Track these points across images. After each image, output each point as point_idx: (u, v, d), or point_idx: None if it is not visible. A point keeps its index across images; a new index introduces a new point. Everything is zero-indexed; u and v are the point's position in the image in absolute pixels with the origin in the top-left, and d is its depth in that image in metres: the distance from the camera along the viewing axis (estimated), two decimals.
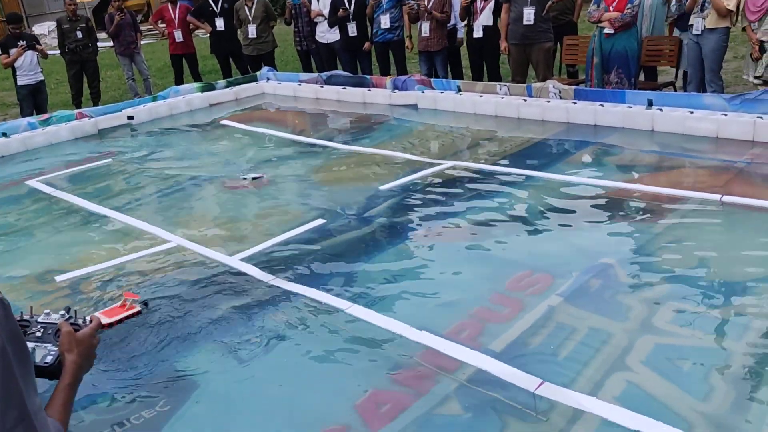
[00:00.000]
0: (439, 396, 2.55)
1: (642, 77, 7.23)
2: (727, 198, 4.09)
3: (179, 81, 10.25)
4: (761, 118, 5.08)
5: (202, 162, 6.24)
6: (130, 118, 8.15)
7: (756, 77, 6.15)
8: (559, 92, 6.33)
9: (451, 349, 2.81)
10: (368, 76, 8.38)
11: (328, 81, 8.57)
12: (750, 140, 5.09)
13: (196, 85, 9.17)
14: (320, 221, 4.40)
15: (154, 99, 8.64)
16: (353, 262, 3.80)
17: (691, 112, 5.44)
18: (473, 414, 2.45)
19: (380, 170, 5.47)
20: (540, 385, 2.50)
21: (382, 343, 2.96)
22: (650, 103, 5.73)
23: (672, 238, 3.72)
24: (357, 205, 4.66)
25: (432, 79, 7.59)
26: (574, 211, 4.21)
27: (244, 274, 3.75)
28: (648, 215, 4.04)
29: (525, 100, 6.51)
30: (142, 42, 10.71)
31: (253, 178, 5.48)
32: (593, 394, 2.47)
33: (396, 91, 7.74)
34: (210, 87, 9.09)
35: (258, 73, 9.63)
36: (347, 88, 8.28)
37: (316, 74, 8.98)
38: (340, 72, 8.79)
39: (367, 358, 2.87)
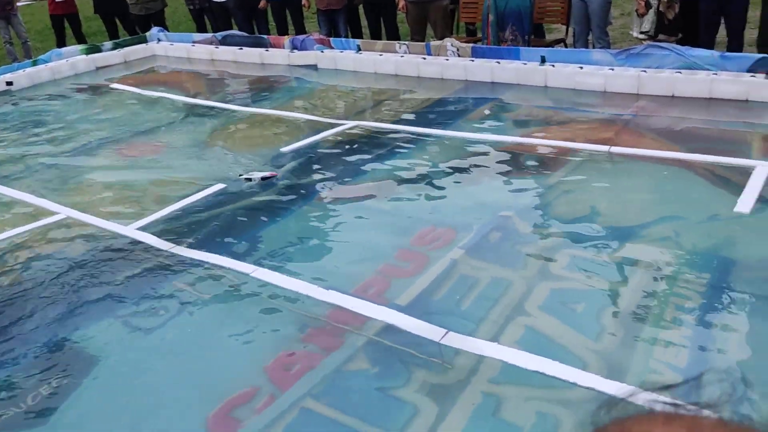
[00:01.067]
0: (348, 352, 2.57)
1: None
2: (614, 149, 4.30)
3: (61, 43, 9.62)
4: (645, 72, 5.34)
5: (91, 128, 5.90)
6: (9, 84, 7.58)
7: (641, 32, 6.44)
8: (457, 50, 6.40)
9: (358, 306, 2.84)
10: (265, 36, 8.15)
11: (224, 41, 8.28)
12: (635, 93, 5.34)
13: (80, 47, 8.62)
14: (220, 185, 4.29)
15: (35, 63, 8.07)
16: (256, 225, 3.74)
17: (581, 68, 5.65)
18: (381, 367, 2.49)
19: (282, 132, 5.37)
20: (445, 335, 2.57)
21: (289, 304, 2.94)
22: (543, 60, 5.90)
23: (565, 188, 3.88)
24: (259, 168, 4.56)
25: (331, 39, 7.48)
26: (474, 167, 4.31)
27: (142, 243, 3.61)
28: (543, 168, 4.19)
29: (424, 59, 6.55)
30: (18, 3, 9.94)
31: (263, 179, 4.30)
32: (495, 340, 2.57)
33: (295, 51, 7.58)
34: (95, 49, 8.57)
35: (148, 33, 9.16)
36: (244, 48, 8.03)
37: (210, 35, 8.64)
38: (236, 32, 8.49)
39: (275, 321, 2.85)
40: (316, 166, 4.54)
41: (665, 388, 0.61)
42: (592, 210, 3.60)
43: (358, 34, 8.57)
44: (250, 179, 4.28)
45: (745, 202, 3.40)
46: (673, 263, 3.01)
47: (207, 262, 3.34)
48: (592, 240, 3.29)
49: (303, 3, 8.52)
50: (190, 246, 3.52)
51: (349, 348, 2.59)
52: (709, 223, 3.34)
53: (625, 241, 3.24)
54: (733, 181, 3.71)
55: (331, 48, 7.35)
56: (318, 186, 4.22)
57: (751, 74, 4.99)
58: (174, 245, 3.54)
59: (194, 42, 8.59)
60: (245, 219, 3.84)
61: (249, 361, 2.59)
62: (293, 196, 4.11)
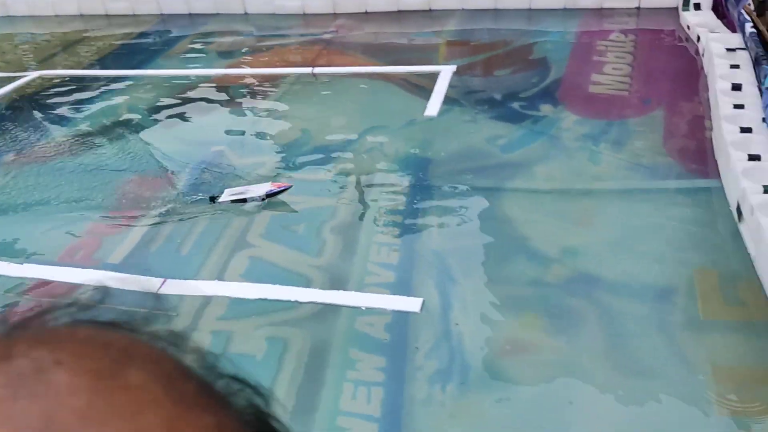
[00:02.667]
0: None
1: None
2: (318, 70, 4.37)
3: None
4: None
5: None
6: None
7: None
8: None
9: (64, 273, 2.58)
10: None
11: None
12: (332, 13, 5.45)
13: None
14: None
15: None
16: None
17: None
18: None
19: None
20: (162, 284, 2.45)
21: None
22: None
23: (276, 115, 3.87)
24: None
25: None
26: (181, 105, 4.09)
27: None
28: (252, 97, 4.13)
29: None
30: None
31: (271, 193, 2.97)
32: (220, 278, 2.52)
33: None
34: None
35: None
36: None
37: None
38: None
39: None
40: None
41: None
42: (303, 132, 3.65)
43: None
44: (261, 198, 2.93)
45: (433, 106, 3.70)
46: (381, 170, 3.19)
47: None
48: (306, 161, 3.35)
49: None
50: None
51: (56, 321, 2.34)
52: (407, 128, 3.58)
53: (337, 157, 3.35)
54: (426, 88, 4.00)
55: None
56: (2, 149, 3.68)
57: None
58: None
59: None
60: None
61: None
62: None
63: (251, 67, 4.60)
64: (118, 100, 4.23)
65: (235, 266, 2.59)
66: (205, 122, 3.87)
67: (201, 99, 4.16)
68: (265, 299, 2.34)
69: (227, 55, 4.94)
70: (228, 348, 2.19)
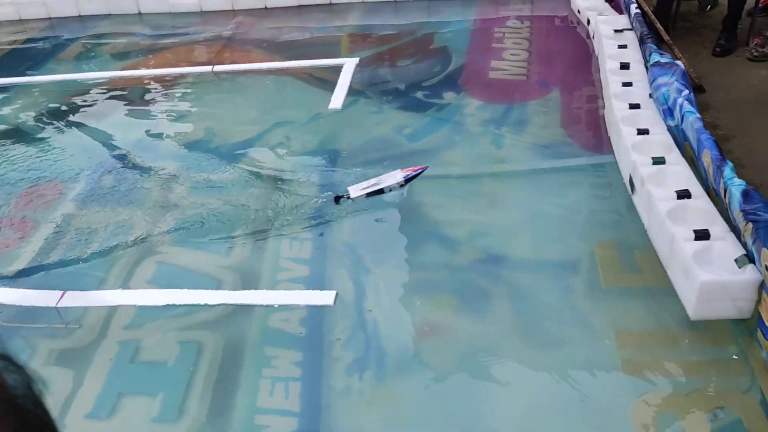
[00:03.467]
0: None
1: None
2: (218, 68, 4.28)
3: None
4: None
5: None
6: None
7: None
8: None
9: None
10: None
11: None
12: (231, 9, 5.34)
13: None
14: None
15: None
16: None
17: None
18: None
19: None
20: (62, 297, 2.34)
21: None
22: None
23: (177, 115, 3.76)
24: None
25: None
26: (76, 111, 3.91)
27: None
28: (151, 99, 3.99)
29: None
30: None
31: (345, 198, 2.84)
32: (126, 286, 2.43)
33: None
34: None
35: None
36: None
37: None
38: None
39: None
40: None
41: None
42: (207, 131, 3.56)
43: None
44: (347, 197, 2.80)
45: (338, 98, 3.69)
46: (288, 165, 3.15)
47: None
48: (210, 161, 3.27)
49: None
50: None
51: None
52: (314, 122, 3.56)
53: (244, 156, 3.29)
54: (330, 81, 3.98)
55: None
56: None
57: None
58: None
59: None
60: None
61: None
62: None
63: (148, 68, 4.44)
64: (5, 109, 4.00)
65: (142, 272, 2.50)
66: (103, 127, 3.71)
67: (98, 104, 3.99)
68: (174, 304, 2.27)
69: (122, 56, 4.76)
70: (136, 357, 2.11)
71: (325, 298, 2.28)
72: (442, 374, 2.00)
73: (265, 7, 5.29)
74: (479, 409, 1.88)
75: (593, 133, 3.18)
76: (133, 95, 4.06)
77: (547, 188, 2.83)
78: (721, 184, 2.21)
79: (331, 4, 5.25)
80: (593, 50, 3.99)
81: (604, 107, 3.32)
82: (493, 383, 1.95)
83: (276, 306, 2.26)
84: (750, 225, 2.01)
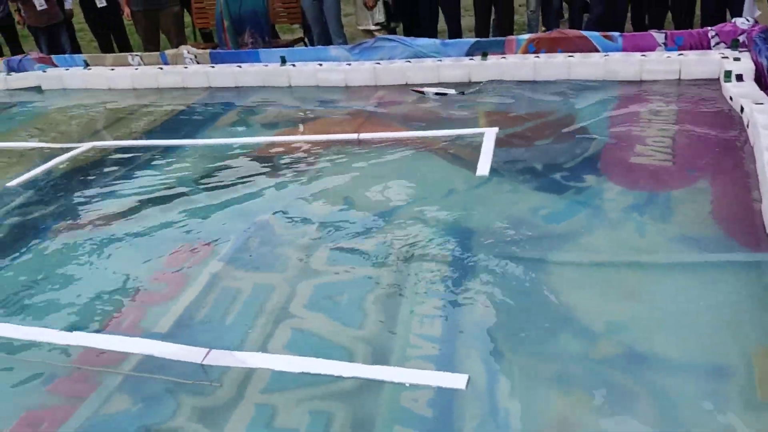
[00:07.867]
0: (104, 395, 2.35)
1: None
2: (362, 135, 4.46)
3: None
4: (379, 63, 5.62)
5: None
6: None
7: (376, 24, 6.76)
8: (195, 57, 6.19)
9: (110, 342, 2.61)
10: None
11: None
12: (374, 85, 5.60)
13: None
14: None
15: None
16: None
17: (321, 65, 5.78)
18: (145, 403, 2.31)
19: (5, 165, 4.78)
20: (207, 354, 2.46)
21: (29, 356, 2.61)
22: (283, 60, 5.94)
23: (320, 184, 3.93)
24: None
25: (53, 56, 6.81)
26: (227, 175, 4.19)
27: None
28: (296, 166, 4.21)
29: (162, 69, 6.24)
30: None
31: (437, 94, 5.01)
32: (263, 350, 2.52)
33: (12, 73, 6.79)
34: None
35: None
36: None
37: None
38: None
39: (15, 378, 2.51)
40: (48, 197, 4.10)
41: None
42: (346, 201, 3.69)
43: (77, 49, 7.90)
44: (422, 93, 4.72)
45: (483, 166, 3.84)
46: (423, 240, 3.19)
47: None
48: (348, 230, 3.37)
49: (17, 20, 7.64)
50: None
51: (104, 390, 2.37)
52: (450, 197, 3.59)
53: (379, 227, 3.37)
54: (466, 158, 4.03)
55: (55, 66, 6.70)
56: (53, 218, 3.81)
57: (470, 57, 5.49)
58: None
59: None
60: None
61: None
62: (24, 235, 3.66)
63: (295, 136, 4.71)
64: (166, 169, 4.36)
65: (279, 337, 2.59)
66: (251, 192, 3.94)
67: (246, 169, 4.26)
68: (308, 373, 2.33)
69: (272, 126, 5.08)
70: (271, 422, 2.16)
71: (457, 381, 2.24)
72: None
73: (406, 84, 5.49)
74: None
75: (749, 228, 2.98)
76: (279, 162, 4.30)
77: (696, 284, 2.67)
78: None
79: (470, 82, 5.37)
80: (746, 140, 3.79)
81: (761, 201, 3.11)
82: None
83: (407, 385, 2.25)
84: None
